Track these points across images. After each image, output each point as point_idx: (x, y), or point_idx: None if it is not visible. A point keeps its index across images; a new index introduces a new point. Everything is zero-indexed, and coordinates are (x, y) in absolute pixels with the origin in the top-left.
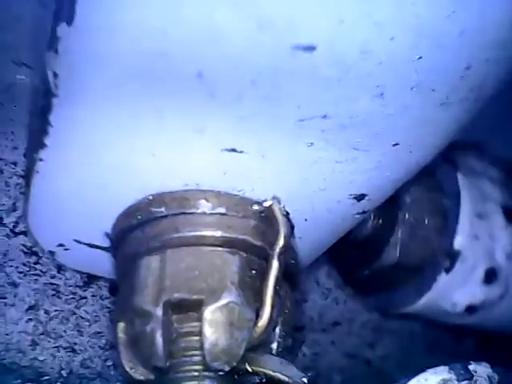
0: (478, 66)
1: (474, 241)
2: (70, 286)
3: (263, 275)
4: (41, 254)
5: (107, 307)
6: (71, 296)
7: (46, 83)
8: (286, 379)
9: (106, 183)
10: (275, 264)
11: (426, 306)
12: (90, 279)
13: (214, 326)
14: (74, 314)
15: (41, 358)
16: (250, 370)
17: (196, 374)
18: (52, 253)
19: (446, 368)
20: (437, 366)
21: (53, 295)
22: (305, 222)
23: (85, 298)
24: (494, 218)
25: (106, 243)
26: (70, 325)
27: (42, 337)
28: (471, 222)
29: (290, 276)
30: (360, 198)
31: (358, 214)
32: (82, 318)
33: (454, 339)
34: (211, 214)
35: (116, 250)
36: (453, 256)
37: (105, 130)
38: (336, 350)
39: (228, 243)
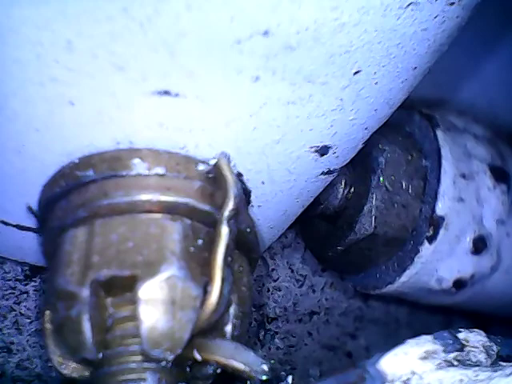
0: None
1: (459, 204)
2: (8, 280)
3: (212, 245)
4: None
5: None
6: (10, 291)
7: None
8: (242, 367)
9: (25, 146)
10: (225, 230)
11: (408, 284)
12: (33, 272)
13: (151, 306)
14: (13, 310)
15: None
16: (198, 357)
17: (134, 365)
18: None
19: (430, 337)
20: None
21: None
22: (262, 185)
23: (26, 292)
24: (480, 177)
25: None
26: (7, 323)
27: None
28: (455, 184)
29: (246, 248)
30: (323, 151)
31: (322, 173)
32: (22, 314)
33: (443, 325)
34: (147, 175)
35: (42, 226)
36: (436, 223)
37: (8, 71)
38: (313, 341)
39: (168, 208)
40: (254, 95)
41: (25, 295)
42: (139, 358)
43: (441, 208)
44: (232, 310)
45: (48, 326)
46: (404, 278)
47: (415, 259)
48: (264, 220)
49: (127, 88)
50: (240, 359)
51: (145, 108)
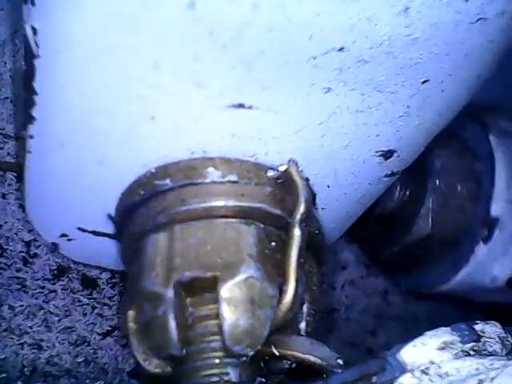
0: None
1: None
2: (37, 279)
3: (284, 248)
4: (5, 247)
5: (79, 301)
6: (39, 290)
7: (26, 44)
8: (319, 361)
9: (105, 158)
10: (297, 232)
11: (463, 283)
12: (60, 272)
13: (232, 305)
14: (42, 308)
15: (2, 356)
16: (276, 353)
17: (217, 361)
18: (55, 245)
19: (448, 329)
20: None
21: (18, 290)
22: (327, 188)
23: (54, 291)
24: None
25: (111, 229)
26: (36, 320)
27: (4, 334)
28: (508, 186)
29: (315, 249)
30: (388, 155)
31: (386, 176)
32: (51, 312)
33: (462, 321)
34: (221, 182)
35: (120, 232)
36: (490, 224)
37: (96, 91)
38: (334, 338)
39: (242, 213)
40: (325, 105)
41: (53, 294)
42: (221, 353)
43: (495, 209)
44: (305, 308)
45: (131, 325)
46: (459, 277)
47: (470, 259)
48: (327, 221)
49: (205, 103)
50: (316, 354)
51: (219, 120)
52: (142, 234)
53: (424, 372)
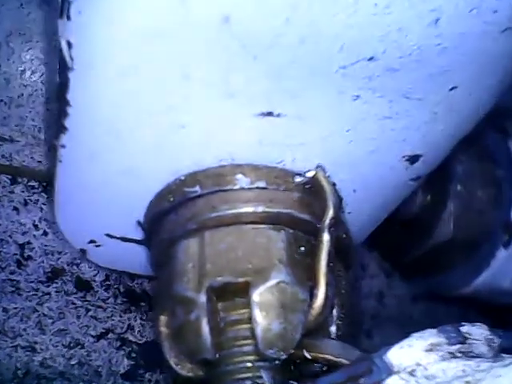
0: None
1: None
2: (31, 281)
3: (313, 252)
4: None
5: (73, 303)
6: (33, 292)
7: (60, 58)
8: None
9: (134, 166)
10: (326, 237)
11: (483, 286)
12: (54, 274)
13: (264, 310)
14: (36, 311)
15: None
16: (308, 356)
17: (249, 364)
18: (83, 251)
19: (435, 331)
20: None
21: (12, 292)
22: (353, 193)
23: (48, 294)
24: None
25: (139, 235)
26: (30, 323)
27: None
28: None
29: (343, 253)
30: (414, 159)
31: (411, 179)
32: (45, 315)
33: (460, 321)
34: (250, 189)
35: (150, 238)
36: (511, 229)
37: (127, 102)
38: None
39: (271, 219)
40: (353, 112)
41: (47, 296)
42: (253, 357)
43: None
44: (335, 311)
45: (163, 329)
46: (480, 280)
47: (491, 263)
48: (352, 225)
49: (234, 112)
50: (348, 357)
51: (248, 128)
52: (172, 240)
53: (411, 374)
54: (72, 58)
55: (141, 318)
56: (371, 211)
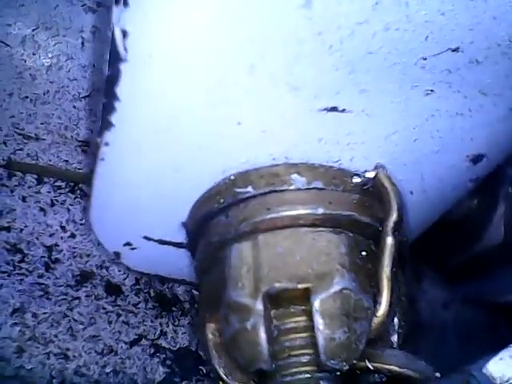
0: None
1: None
2: (60, 285)
3: (374, 257)
4: (26, 251)
5: (103, 308)
6: (62, 297)
7: (112, 48)
8: (417, 375)
9: (182, 164)
10: (390, 241)
11: None
12: (83, 278)
13: (327, 318)
14: (66, 316)
15: (28, 367)
16: (370, 367)
17: (308, 375)
18: (117, 254)
19: None
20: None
21: (41, 296)
22: (410, 195)
23: (78, 298)
24: None
25: (178, 238)
26: (61, 329)
27: (29, 343)
28: None
29: (401, 258)
30: (478, 159)
31: (470, 180)
32: (76, 320)
33: (488, 330)
34: (307, 189)
35: (194, 241)
36: None
37: (184, 96)
38: None
39: (331, 221)
40: (423, 108)
41: (77, 301)
42: (312, 368)
43: None
44: (396, 320)
45: (211, 337)
46: None
47: None
48: None
49: (296, 106)
50: (413, 368)
51: (308, 124)
52: (222, 244)
53: None
54: (126, 49)
55: (173, 324)
56: (424, 213)
